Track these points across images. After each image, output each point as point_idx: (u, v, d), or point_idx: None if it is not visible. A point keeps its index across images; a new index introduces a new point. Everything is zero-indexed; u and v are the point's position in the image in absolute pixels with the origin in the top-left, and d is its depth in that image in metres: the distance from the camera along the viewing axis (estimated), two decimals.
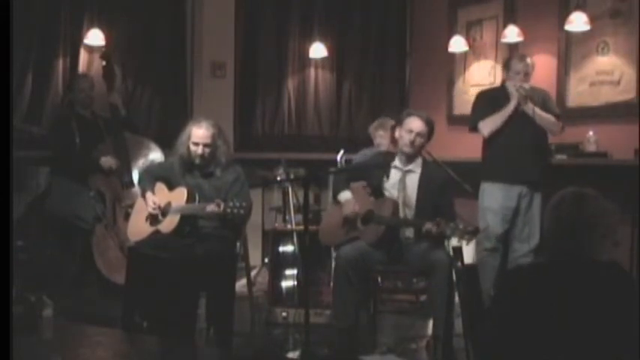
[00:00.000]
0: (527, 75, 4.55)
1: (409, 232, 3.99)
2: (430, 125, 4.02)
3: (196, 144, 4.14)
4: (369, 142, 5.11)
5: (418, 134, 3.98)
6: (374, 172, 4.08)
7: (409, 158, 4.03)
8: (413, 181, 4.03)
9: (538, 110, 4.46)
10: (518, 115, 4.48)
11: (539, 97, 4.56)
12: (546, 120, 4.50)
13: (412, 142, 3.97)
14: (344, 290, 3.83)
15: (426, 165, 4.09)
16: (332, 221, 4.10)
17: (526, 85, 4.50)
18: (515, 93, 4.48)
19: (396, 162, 4.06)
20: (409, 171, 4.04)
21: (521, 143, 4.49)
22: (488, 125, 4.58)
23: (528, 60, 4.61)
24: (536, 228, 4.50)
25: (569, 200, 2.18)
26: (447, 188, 4.06)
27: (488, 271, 4.50)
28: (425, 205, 3.94)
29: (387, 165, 4.04)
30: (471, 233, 3.64)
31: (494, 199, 4.55)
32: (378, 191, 4.03)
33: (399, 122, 4.08)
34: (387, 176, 4.02)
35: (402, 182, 4.02)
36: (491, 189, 4.57)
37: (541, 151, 4.58)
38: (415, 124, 3.99)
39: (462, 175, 4.44)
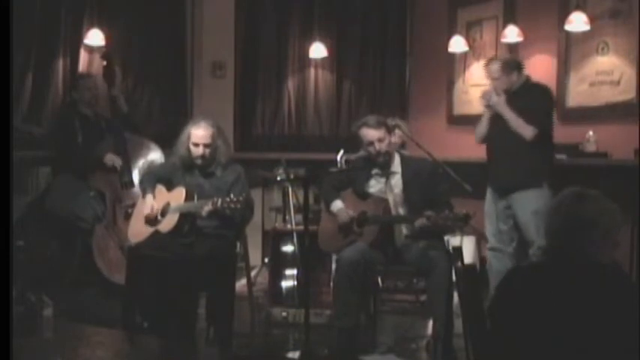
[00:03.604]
0: (497, 79, 4.52)
1: (407, 232, 3.99)
2: (381, 124, 4.00)
3: (196, 145, 4.14)
4: None
5: (379, 140, 3.97)
6: (359, 178, 4.08)
7: (387, 162, 4.03)
8: (397, 182, 4.04)
9: (508, 114, 4.44)
10: (502, 119, 4.49)
11: (529, 96, 4.50)
12: (516, 124, 4.42)
13: (379, 151, 3.98)
14: (345, 291, 3.83)
15: (404, 162, 4.08)
16: (329, 228, 4.09)
17: (489, 93, 4.53)
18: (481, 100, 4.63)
19: (376, 169, 4.06)
20: (391, 173, 4.04)
21: (501, 147, 4.53)
22: (475, 133, 4.74)
23: (496, 64, 4.58)
24: (533, 231, 4.46)
25: (569, 200, 2.18)
26: (435, 178, 4.03)
27: (493, 272, 4.56)
28: (415, 201, 3.94)
29: (370, 166, 4.05)
30: (463, 219, 3.65)
31: (486, 203, 4.66)
32: (365, 194, 4.04)
33: (357, 137, 4.07)
34: (371, 178, 4.04)
35: (388, 186, 4.03)
36: (487, 191, 4.66)
37: (523, 153, 4.42)
38: (369, 134, 3.99)
39: (462, 175, 4.44)
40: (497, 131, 4.54)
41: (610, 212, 2.16)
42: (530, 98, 4.49)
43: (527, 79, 4.63)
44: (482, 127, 4.65)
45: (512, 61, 4.64)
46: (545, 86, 4.68)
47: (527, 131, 4.40)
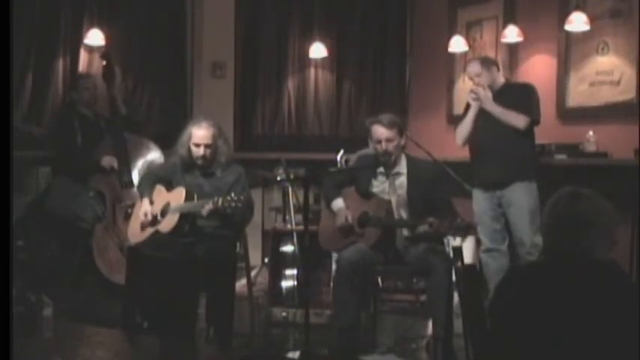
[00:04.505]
0: (479, 75, 4.60)
1: (408, 234, 3.98)
2: (394, 125, 3.99)
3: (197, 145, 4.14)
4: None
5: (387, 140, 3.96)
6: (363, 176, 4.08)
7: (392, 162, 4.02)
8: (401, 183, 4.03)
9: (496, 108, 4.50)
10: (488, 117, 4.53)
11: (513, 94, 4.58)
12: (508, 116, 4.48)
13: (386, 151, 3.97)
14: (345, 291, 3.83)
15: (411, 163, 4.07)
16: (329, 226, 4.08)
17: (477, 88, 4.58)
18: (467, 97, 4.67)
19: (381, 168, 4.05)
20: (396, 174, 4.04)
21: (488, 145, 4.55)
22: (458, 134, 4.74)
23: (474, 62, 4.71)
24: (526, 229, 4.47)
25: (565, 200, 2.19)
26: (438, 182, 4.02)
27: (490, 273, 4.58)
28: (418, 204, 3.94)
29: (375, 166, 4.05)
30: (465, 229, 3.65)
31: (476, 203, 4.65)
32: (368, 193, 4.03)
33: (368, 132, 4.07)
34: (375, 177, 4.03)
35: (392, 186, 4.02)
36: (474, 193, 4.66)
37: (511, 149, 4.49)
38: (379, 132, 3.98)
39: (462, 175, 4.45)
40: (484, 129, 4.57)
41: (606, 211, 2.16)
42: (515, 95, 4.58)
43: (507, 80, 4.80)
44: (466, 127, 4.65)
45: (489, 58, 4.84)
46: (528, 83, 4.79)
47: (519, 120, 4.46)
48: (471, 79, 4.72)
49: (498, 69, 4.70)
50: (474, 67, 4.66)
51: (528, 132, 4.54)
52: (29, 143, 5.35)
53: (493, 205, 4.60)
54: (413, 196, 3.98)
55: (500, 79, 4.69)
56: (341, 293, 3.86)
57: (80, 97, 5.13)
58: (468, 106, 4.71)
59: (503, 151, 4.49)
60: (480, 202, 4.63)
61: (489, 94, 4.56)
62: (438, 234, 3.77)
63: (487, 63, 4.67)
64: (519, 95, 4.58)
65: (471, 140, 4.68)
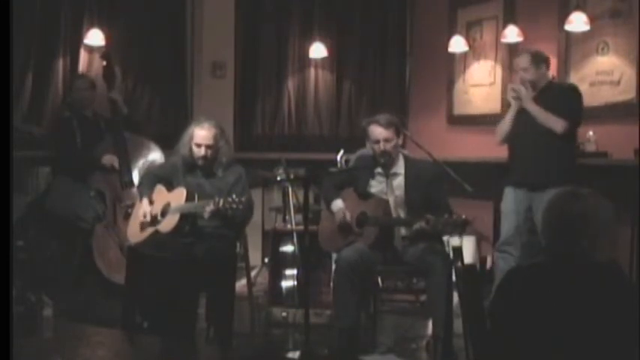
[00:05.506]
0: (526, 70, 4.44)
1: (405, 233, 3.98)
2: (392, 125, 3.97)
3: (199, 145, 4.15)
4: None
5: (385, 140, 3.95)
6: (361, 176, 4.08)
7: (390, 163, 4.02)
8: (399, 183, 4.02)
9: (535, 108, 4.37)
10: (528, 116, 4.40)
11: (557, 95, 4.45)
12: (545, 118, 4.34)
13: (384, 151, 3.96)
14: (345, 291, 3.83)
15: (408, 164, 4.07)
16: (329, 227, 4.09)
17: (519, 86, 4.45)
18: (508, 94, 4.54)
19: (379, 168, 4.05)
20: (394, 174, 4.03)
21: (527, 144, 4.43)
22: (498, 131, 4.61)
23: (525, 55, 4.52)
24: None
25: (564, 200, 2.19)
26: (436, 182, 4.01)
27: (497, 273, 4.52)
28: (416, 204, 3.93)
29: (374, 166, 4.05)
30: (461, 225, 3.64)
31: (505, 202, 4.54)
32: (366, 194, 4.03)
33: (365, 132, 4.05)
34: (373, 177, 4.03)
35: (390, 186, 4.02)
36: (505, 192, 4.55)
37: (550, 151, 4.36)
38: (377, 132, 3.97)
39: (462, 175, 4.44)
40: (523, 129, 4.44)
41: (605, 210, 2.16)
42: (558, 96, 4.44)
43: (554, 78, 4.62)
44: (507, 125, 4.52)
45: (541, 54, 4.54)
46: (573, 85, 4.67)
47: (557, 124, 4.30)
48: (516, 71, 4.57)
49: (548, 67, 4.50)
50: (523, 61, 4.47)
51: (568, 135, 4.38)
52: (29, 143, 5.35)
53: (522, 207, 4.45)
54: (411, 196, 3.98)
55: (548, 77, 4.52)
56: (341, 293, 3.86)
57: (77, 97, 5.14)
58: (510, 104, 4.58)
59: (539, 152, 4.36)
60: (510, 202, 4.50)
61: (530, 93, 4.42)
62: (435, 231, 3.75)
63: (537, 59, 4.45)
64: (562, 97, 4.43)
65: (510, 139, 4.56)
